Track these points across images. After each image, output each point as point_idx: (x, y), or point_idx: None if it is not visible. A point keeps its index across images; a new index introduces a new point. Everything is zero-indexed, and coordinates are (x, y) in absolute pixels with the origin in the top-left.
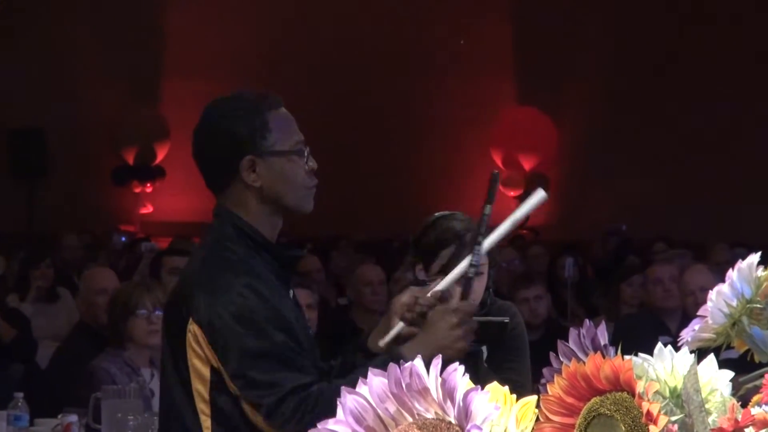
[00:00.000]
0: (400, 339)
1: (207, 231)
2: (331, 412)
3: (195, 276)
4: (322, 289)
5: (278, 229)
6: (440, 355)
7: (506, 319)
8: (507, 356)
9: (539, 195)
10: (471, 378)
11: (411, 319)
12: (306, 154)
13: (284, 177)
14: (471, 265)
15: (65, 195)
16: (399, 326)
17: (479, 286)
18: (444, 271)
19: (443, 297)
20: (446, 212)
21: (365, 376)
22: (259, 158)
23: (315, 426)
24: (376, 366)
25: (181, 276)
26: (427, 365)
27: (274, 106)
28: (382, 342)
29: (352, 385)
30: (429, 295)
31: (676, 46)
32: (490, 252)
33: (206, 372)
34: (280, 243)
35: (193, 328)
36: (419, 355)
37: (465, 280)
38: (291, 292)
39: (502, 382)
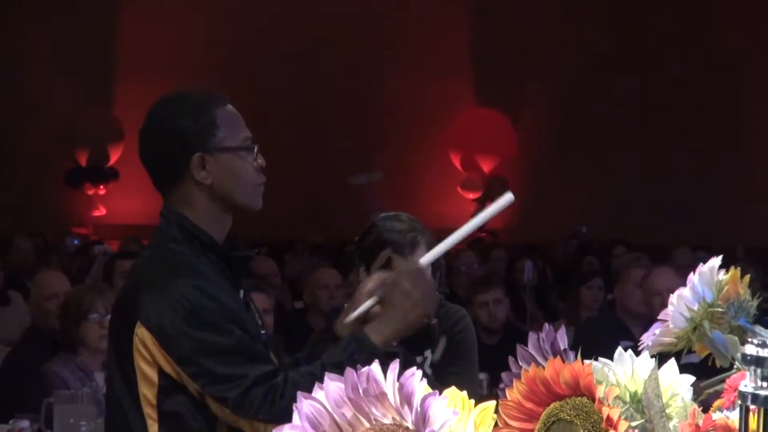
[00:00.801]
0: (368, 318)
1: (154, 232)
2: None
3: (141, 279)
4: (278, 293)
5: (227, 229)
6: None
7: (434, 321)
8: (452, 361)
9: (506, 197)
10: None
11: (381, 297)
12: (255, 150)
13: (234, 174)
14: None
15: (17, 197)
16: (368, 302)
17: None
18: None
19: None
20: (390, 213)
21: (329, 363)
22: (208, 155)
23: (286, 413)
24: (340, 347)
25: (128, 279)
26: (393, 340)
27: (221, 103)
28: (348, 318)
29: (318, 370)
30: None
31: (636, 46)
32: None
33: (154, 376)
34: (229, 244)
35: (140, 331)
36: (384, 334)
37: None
38: (241, 292)
39: (445, 389)
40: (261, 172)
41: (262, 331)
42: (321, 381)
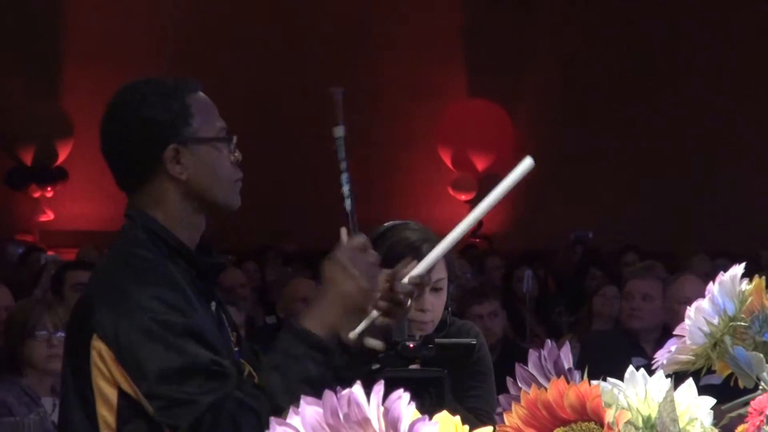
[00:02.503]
0: (374, 330)
1: (118, 235)
2: (255, 420)
3: (98, 286)
4: (248, 306)
5: (200, 232)
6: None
7: (473, 341)
8: (471, 382)
9: (526, 163)
10: (435, 408)
11: (385, 309)
12: (233, 142)
13: (211, 168)
14: (346, 197)
15: None
16: (372, 314)
17: (438, 303)
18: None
19: (422, 282)
20: (397, 222)
21: (267, 367)
22: (183, 147)
23: None
24: (277, 345)
25: (85, 287)
26: (336, 326)
27: (194, 89)
28: (353, 333)
29: (264, 381)
30: (405, 280)
31: (648, 32)
32: (450, 264)
33: (113, 395)
34: (202, 249)
35: (97, 344)
36: (323, 319)
37: (350, 216)
38: (213, 304)
39: (468, 411)
40: (238, 167)
41: (236, 349)
42: (266, 395)
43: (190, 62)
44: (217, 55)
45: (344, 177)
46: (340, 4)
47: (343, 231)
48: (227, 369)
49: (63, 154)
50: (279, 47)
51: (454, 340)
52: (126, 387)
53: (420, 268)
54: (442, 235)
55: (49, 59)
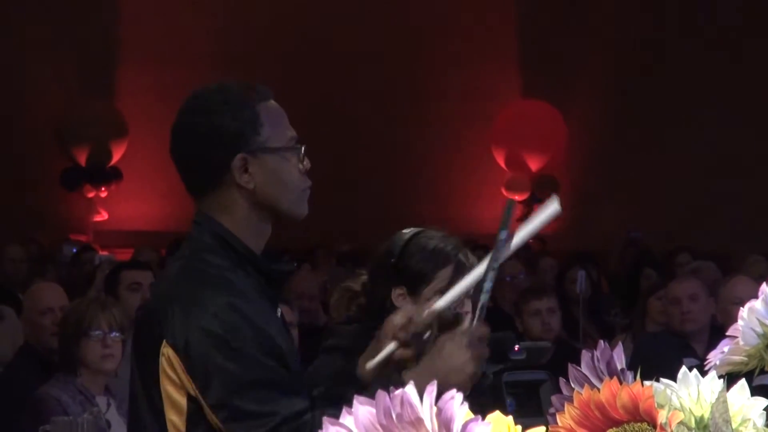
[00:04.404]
0: (391, 362)
1: (185, 241)
2: None
3: (169, 292)
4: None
5: (266, 239)
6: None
7: (548, 344)
8: None
9: (552, 208)
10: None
11: (404, 340)
12: (301, 152)
13: (279, 177)
14: (484, 291)
15: (7, 200)
16: (390, 346)
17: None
18: (442, 294)
19: (443, 316)
20: (415, 229)
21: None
22: (251, 156)
23: None
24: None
25: (153, 291)
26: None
27: (264, 97)
28: (371, 364)
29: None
30: (425, 314)
31: (702, 32)
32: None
33: (182, 401)
34: (268, 255)
35: (167, 351)
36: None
37: (480, 308)
38: (279, 311)
39: None
40: (306, 176)
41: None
42: None
43: (244, 64)
44: (272, 58)
45: (490, 275)
46: (394, 6)
47: (468, 317)
48: (299, 385)
49: (117, 154)
50: (333, 49)
51: (537, 342)
52: (194, 394)
53: (442, 302)
54: (488, 235)
55: (103, 59)
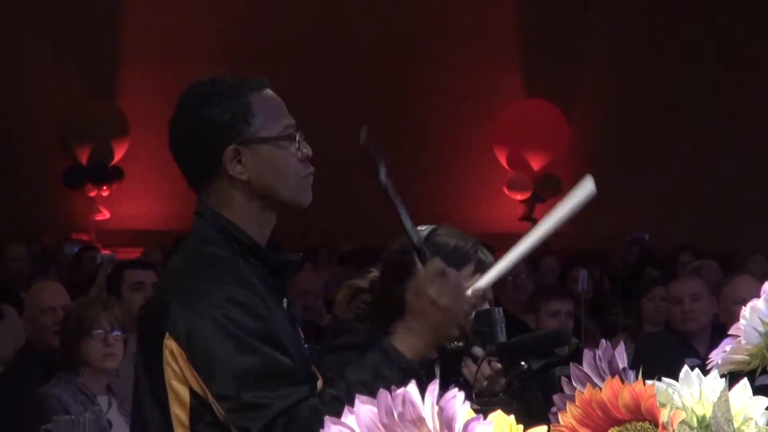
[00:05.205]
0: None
1: (188, 234)
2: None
3: (171, 285)
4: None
5: (270, 229)
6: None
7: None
8: None
9: (588, 187)
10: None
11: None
12: (298, 139)
13: (274, 166)
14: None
15: (10, 199)
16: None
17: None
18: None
19: (485, 296)
20: (429, 226)
21: (354, 381)
22: (243, 147)
23: None
24: (366, 360)
25: (157, 285)
26: (424, 354)
27: (257, 87)
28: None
29: (343, 393)
30: (470, 294)
31: (708, 33)
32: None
33: (185, 394)
34: (272, 246)
35: (170, 343)
36: (415, 347)
37: (420, 251)
38: (285, 301)
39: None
40: (307, 162)
41: (305, 345)
42: (348, 404)
43: (248, 62)
44: (276, 55)
45: (403, 213)
46: (395, 6)
47: (416, 260)
48: (302, 375)
49: (119, 154)
50: (334, 49)
51: (543, 330)
52: (196, 387)
53: (484, 281)
54: (492, 234)
55: (105, 59)
